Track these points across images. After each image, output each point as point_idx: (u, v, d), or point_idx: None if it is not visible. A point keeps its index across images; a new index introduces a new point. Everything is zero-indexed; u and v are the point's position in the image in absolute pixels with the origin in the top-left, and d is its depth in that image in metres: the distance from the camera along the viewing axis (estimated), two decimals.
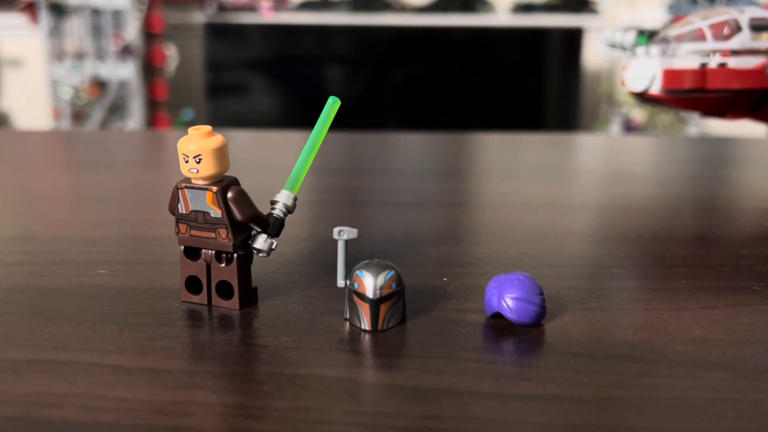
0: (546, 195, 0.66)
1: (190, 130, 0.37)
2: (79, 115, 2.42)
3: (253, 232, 0.39)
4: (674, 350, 0.35)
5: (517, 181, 0.72)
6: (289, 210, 0.40)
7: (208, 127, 0.37)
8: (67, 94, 2.38)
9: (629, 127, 2.61)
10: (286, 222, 0.40)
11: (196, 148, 0.37)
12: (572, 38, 2.63)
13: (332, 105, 0.41)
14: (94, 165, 0.80)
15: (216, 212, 0.38)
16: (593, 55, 2.65)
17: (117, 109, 2.45)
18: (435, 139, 0.99)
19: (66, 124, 2.41)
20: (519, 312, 0.37)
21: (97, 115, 2.41)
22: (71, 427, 0.28)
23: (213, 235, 0.38)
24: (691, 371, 0.33)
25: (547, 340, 0.36)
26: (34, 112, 2.49)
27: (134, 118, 2.45)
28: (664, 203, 0.64)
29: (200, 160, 0.37)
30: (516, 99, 2.66)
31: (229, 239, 0.38)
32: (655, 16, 2.43)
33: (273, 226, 0.39)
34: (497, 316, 0.38)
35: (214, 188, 0.37)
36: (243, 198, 0.38)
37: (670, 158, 0.89)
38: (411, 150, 0.92)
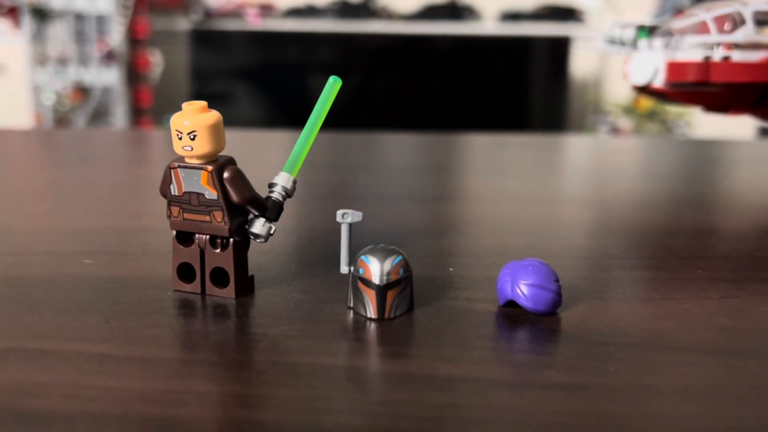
0: (546, 191, 0.64)
1: (184, 105, 0.35)
2: (61, 121, 2.38)
3: (250, 216, 0.37)
4: (702, 338, 0.33)
5: (515, 178, 0.70)
6: (288, 193, 0.37)
7: (203, 103, 0.35)
8: (49, 99, 2.35)
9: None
10: (283, 208, 0.37)
11: (191, 123, 0.34)
12: (559, 47, 2.63)
13: (333, 85, 0.39)
14: (77, 161, 0.77)
15: (211, 193, 0.35)
16: (580, 63, 2.65)
17: (100, 116, 2.41)
18: (425, 139, 0.96)
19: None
20: (535, 299, 0.34)
21: (80, 121, 2.37)
22: (55, 418, 0.26)
23: (208, 218, 0.36)
24: (722, 359, 0.31)
25: (564, 329, 0.34)
26: (15, 117, 2.45)
27: (117, 125, 2.41)
28: (667, 199, 0.62)
29: (195, 136, 0.34)
30: (502, 107, 2.65)
31: (225, 222, 0.35)
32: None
33: (271, 210, 0.37)
34: (510, 304, 0.35)
35: (210, 167, 0.35)
36: (240, 178, 0.35)
37: (666, 158, 0.87)
38: (401, 149, 0.90)
